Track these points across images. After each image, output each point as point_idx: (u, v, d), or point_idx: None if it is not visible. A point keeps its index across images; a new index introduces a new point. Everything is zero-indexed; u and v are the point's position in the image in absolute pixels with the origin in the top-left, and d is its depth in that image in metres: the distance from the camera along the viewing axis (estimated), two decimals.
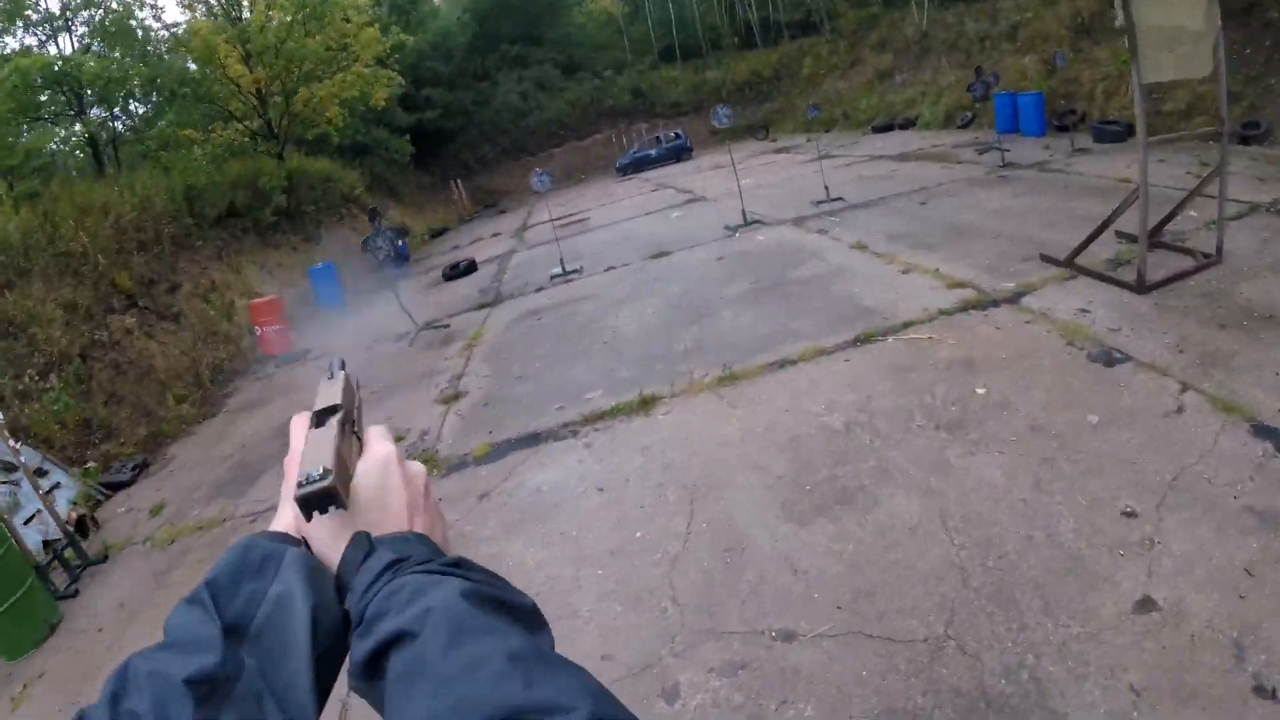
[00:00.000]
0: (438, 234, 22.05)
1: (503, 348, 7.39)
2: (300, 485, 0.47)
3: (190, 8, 15.72)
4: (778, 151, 20.85)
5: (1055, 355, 4.24)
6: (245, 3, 15.93)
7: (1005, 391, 3.93)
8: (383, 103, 18.18)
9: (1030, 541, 2.75)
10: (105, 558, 5.02)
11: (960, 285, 5.65)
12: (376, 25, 17.88)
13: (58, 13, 15.09)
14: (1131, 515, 2.76)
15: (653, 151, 25.65)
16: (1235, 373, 3.59)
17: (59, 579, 4.69)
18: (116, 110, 16.76)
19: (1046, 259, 5.71)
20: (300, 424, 0.55)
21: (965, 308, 5.20)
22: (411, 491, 0.54)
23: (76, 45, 15.62)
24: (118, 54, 15.76)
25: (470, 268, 12.74)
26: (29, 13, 14.69)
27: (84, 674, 3.60)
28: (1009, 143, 12.26)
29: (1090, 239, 5.32)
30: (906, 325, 5.13)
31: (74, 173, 16.39)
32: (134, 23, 15.84)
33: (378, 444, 0.56)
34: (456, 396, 6.26)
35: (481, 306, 9.57)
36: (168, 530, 5.15)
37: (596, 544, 3.46)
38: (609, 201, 17.49)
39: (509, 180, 29.49)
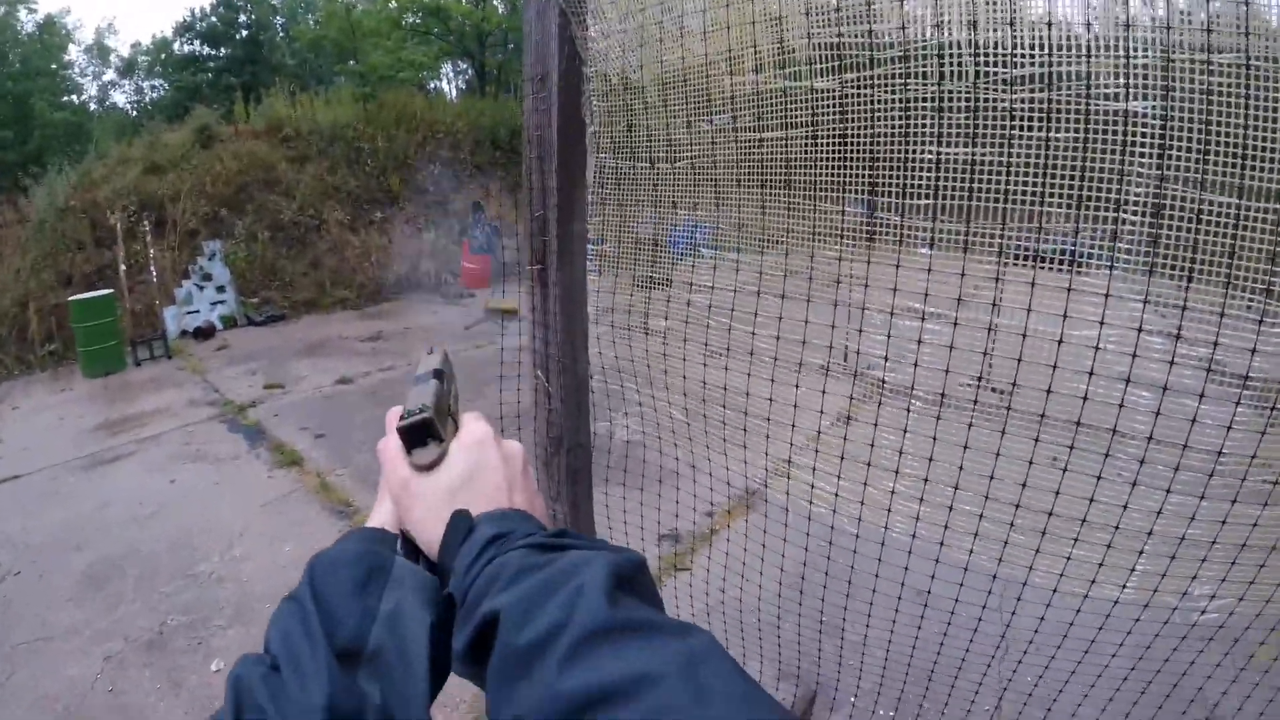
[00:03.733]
0: None
1: None
2: (402, 419, 0.51)
3: None
4: None
5: None
6: None
7: None
8: None
9: None
10: (170, 356, 7.70)
11: None
12: None
13: None
14: None
15: None
16: None
17: (144, 352, 7.65)
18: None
19: None
20: (393, 416, 0.53)
21: None
22: (510, 470, 0.53)
23: None
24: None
25: None
26: None
27: (87, 395, 6.59)
28: None
29: None
30: None
31: (451, 88, 19.55)
32: None
33: (473, 424, 0.55)
34: None
35: None
36: (198, 364, 7.39)
37: None
38: None
39: None
